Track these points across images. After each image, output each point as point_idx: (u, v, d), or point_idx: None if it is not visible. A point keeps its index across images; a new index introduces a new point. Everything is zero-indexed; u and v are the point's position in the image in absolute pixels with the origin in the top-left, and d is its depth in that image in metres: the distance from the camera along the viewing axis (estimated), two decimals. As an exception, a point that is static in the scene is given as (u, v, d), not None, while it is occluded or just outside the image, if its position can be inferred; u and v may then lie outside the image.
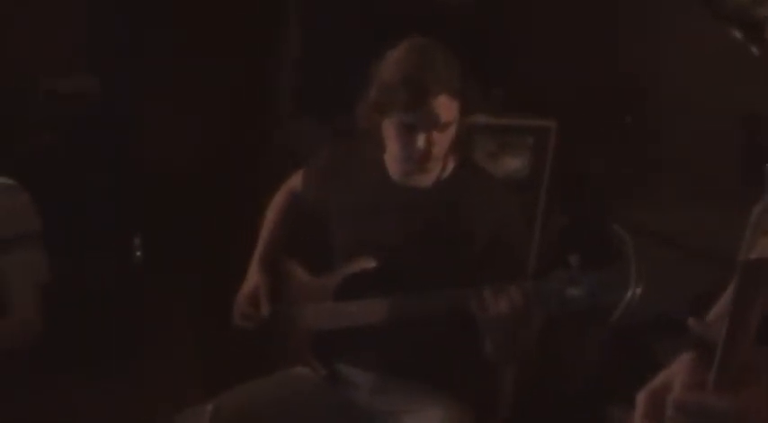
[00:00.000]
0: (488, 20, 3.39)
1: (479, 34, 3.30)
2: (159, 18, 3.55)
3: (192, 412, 1.93)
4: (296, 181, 2.28)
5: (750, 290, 0.86)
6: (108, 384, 2.87)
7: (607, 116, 3.09)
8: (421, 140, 1.88)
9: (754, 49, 1.28)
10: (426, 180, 2.01)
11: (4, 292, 1.97)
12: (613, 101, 3.07)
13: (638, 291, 1.60)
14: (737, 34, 1.27)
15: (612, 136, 3.08)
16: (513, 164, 3.13)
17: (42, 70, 3.39)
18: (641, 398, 1.00)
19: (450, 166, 2.03)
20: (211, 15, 3.61)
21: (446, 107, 1.87)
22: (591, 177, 3.21)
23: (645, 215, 2.84)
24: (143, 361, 3.07)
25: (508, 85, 3.16)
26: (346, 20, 3.46)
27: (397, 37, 1.95)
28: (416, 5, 3.32)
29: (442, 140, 1.91)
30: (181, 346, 3.15)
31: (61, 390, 2.72)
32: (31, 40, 3.34)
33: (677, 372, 0.99)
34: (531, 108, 3.14)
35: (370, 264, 1.97)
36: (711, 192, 2.75)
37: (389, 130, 1.93)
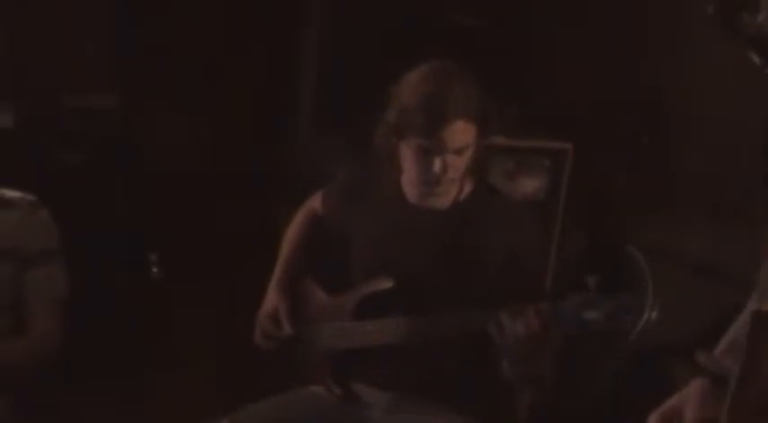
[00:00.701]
0: (503, 38, 3.40)
1: (494, 52, 3.31)
2: (178, 34, 3.58)
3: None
4: (315, 202, 2.29)
5: (762, 340, 0.87)
6: (125, 400, 2.88)
7: (625, 136, 3.09)
8: (437, 164, 1.89)
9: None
10: (443, 202, 2.02)
11: (25, 307, 1.98)
12: (631, 121, 3.07)
13: (654, 314, 1.60)
14: (755, 58, 1.28)
15: (630, 156, 3.08)
16: (530, 185, 3.13)
17: (66, 88, 3.42)
18: (653, 421, 1.01)
19: (468, 188, 2.04)
20: (232, 30, 3.64)
21: (463, 132, 1.88)
22: (608, 198, 3.20)
23: (663, 236, 2.83)
24: (160, 377, 3.07)
25: (524, 103, 3.16)
26: (364, 35, 3.48)
27: (414, 55, 1.97)
28: (431, 23, 3.34)
29: (459, 164, 1.92)
30: (196, 363, 3.16)
31: (79, 405, 2.72)
32: (55, 58, 3.37)
33: (688, 397, 0.98)
34: (548, 127, 3.15)
35: (387, 284, 1.98)
36: (731, 212, 2.74)
37: (406, 152, 1.95)
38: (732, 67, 2.07)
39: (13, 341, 1.96)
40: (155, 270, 3.34)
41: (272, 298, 2.18)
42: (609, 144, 3.09)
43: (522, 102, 3.16)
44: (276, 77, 3.73)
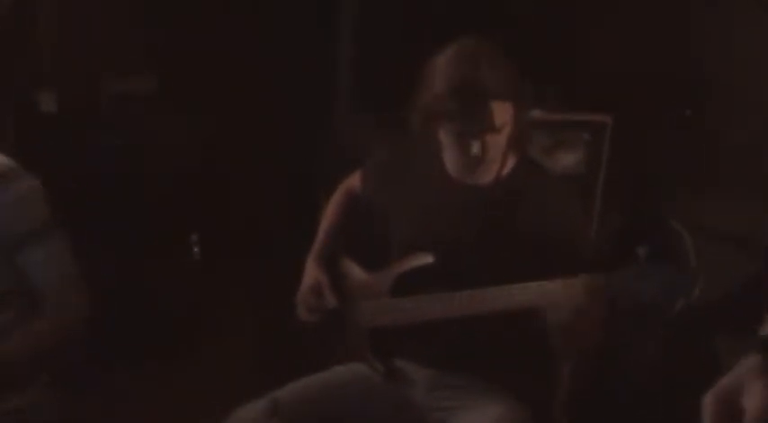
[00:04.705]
0: (544, 14, 3.36)
1: (535, 28, 3.28)
2: (214, 18, 3.59)
3: (250, 405, 1.95)
4: (354, 180, 2.29)
5: None
6: (167, 378, 2.92)
7: (667, 110, 3.05)
8: (476, 147, 1.88)
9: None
10: (486, 177, 2.01)
11: (34, 290, 1.91)
12: (673, 94, 3.03)
13: (697, 288, 1.59)
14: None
15: (672, 129, 3.05)
16: (569, 160, 3.11)
17: (106, 72, 3.45)
18: (708, 402, 0.98)
19: (510, 163, 2.03)
20: (266, 14, 3.64)
21: (498, 111, 1.86)
22: (649, 172, 3.17)
23: (704, 210, 2.80)
24: (202, 356, 3.11)
25: (565, 78, 3.13)
26: (402, 13, 3.46)
27: (452, 33, 1.95)
28: (472, 1, 3.31)
29: (497, 143, 1.91)
30: (238, 342, 3.19)
31: (120, 383, 2.77)
32: (96, 43, 3.40)
33: (745, 377, 0.96)
34: (588, 102, 3.11)
35: (427, 260, 1.98)
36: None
37: (445, 137, 1.94)
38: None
39: (32, 324, 1.90)
40: (195, 250, 3.38)
41: (311, 272, 2.18)
42: (650, 117, 3.05)
43: (564, 75, 3.13)
44: (312, 57, 3.73)
